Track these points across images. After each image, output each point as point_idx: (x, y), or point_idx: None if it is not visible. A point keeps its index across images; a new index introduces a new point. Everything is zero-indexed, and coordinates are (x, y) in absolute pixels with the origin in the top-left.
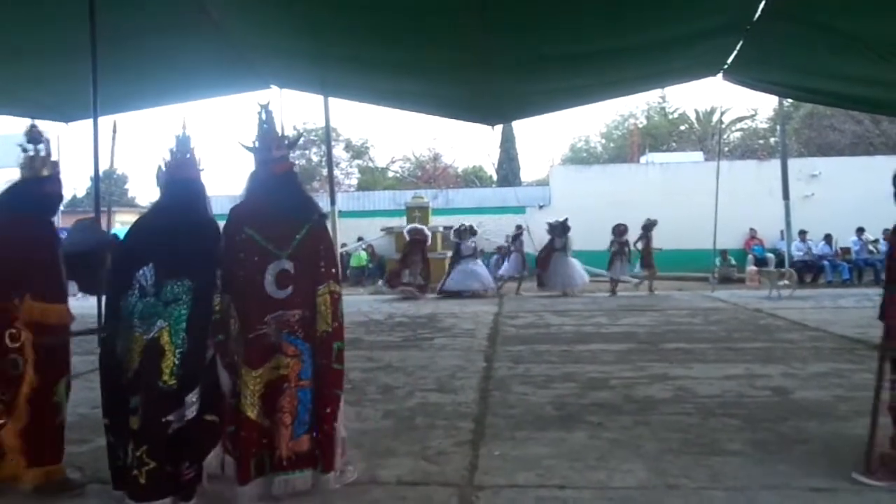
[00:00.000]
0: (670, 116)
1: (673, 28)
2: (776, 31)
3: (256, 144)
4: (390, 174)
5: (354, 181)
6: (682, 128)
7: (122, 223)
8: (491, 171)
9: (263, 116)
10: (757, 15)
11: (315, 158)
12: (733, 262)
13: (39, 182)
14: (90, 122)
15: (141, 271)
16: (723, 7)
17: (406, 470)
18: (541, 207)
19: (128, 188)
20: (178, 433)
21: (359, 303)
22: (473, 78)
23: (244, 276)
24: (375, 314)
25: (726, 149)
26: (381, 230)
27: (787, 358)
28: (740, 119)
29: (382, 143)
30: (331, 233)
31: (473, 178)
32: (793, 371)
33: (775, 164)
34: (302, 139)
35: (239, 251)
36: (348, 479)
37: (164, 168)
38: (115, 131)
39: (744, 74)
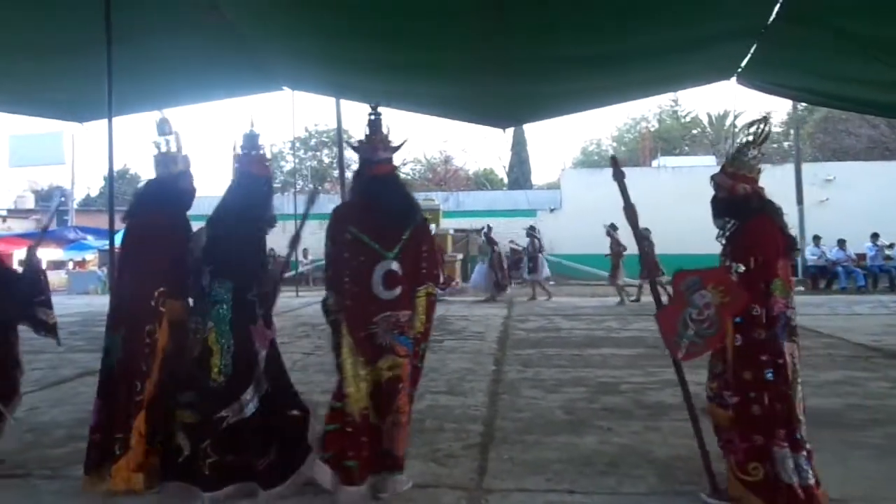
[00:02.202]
0: (683, 120)
1: (687, 31)
2: (791, 35)
3: (363, 145)
4: (401, 176)
5: None
6: (695, 131)
7: None
8: (502, 173)
9: (372, 118)
10: (771, 18)
11: (326, 160)
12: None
13: (174, 179)
14: (103, 122)
15: (205, 271)
16: (737, 10)
17: (415, 472)
18: (552, 211)
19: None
20: (237, 427)
21: None
22: (486, 80)
23: (350, 276)
24: None
25: None
26: None
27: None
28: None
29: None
30: (432, 235)
31: (484, 181)
32: (805, 378)
33: (789, 168)
34: (314, 140)
35: (344, 251)
36: None
37: (233, 164)
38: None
39: (758, 78)
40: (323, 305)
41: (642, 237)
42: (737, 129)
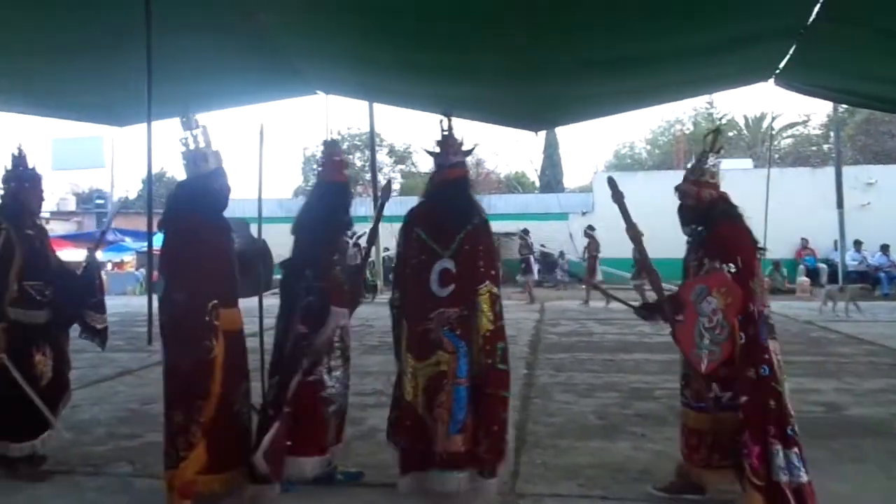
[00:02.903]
0: (718, 122)
1: (724, 32)
2: (831, 35)
3: (437, 149)
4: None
5: (397, 186)
6: (731, 134)
7: None
8: (534, 176)
9: (446, 124)
10: (812, 18)
11: (359, 163)
12: (785, 273)
13: (207, 178)
14: (142, 126)
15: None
16: (776, 10)
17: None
18: (583, 214)
19: None
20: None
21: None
22: (518, 83)
23: (411, 273)
24: None
25: (777, 156)
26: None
27: (840, 373)
28: (792, 125)
29: (425, 148)
30: (491, 236)
31: (516, 184)
32: (846, 386)
33: (829, 171)
34: (346, 143)
35: (410, 250)
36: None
37: (316, 170)
38: (262, 134)
39: (797, 79)
40: (390, 300)
41: (648, 262)
42: (774, 132)
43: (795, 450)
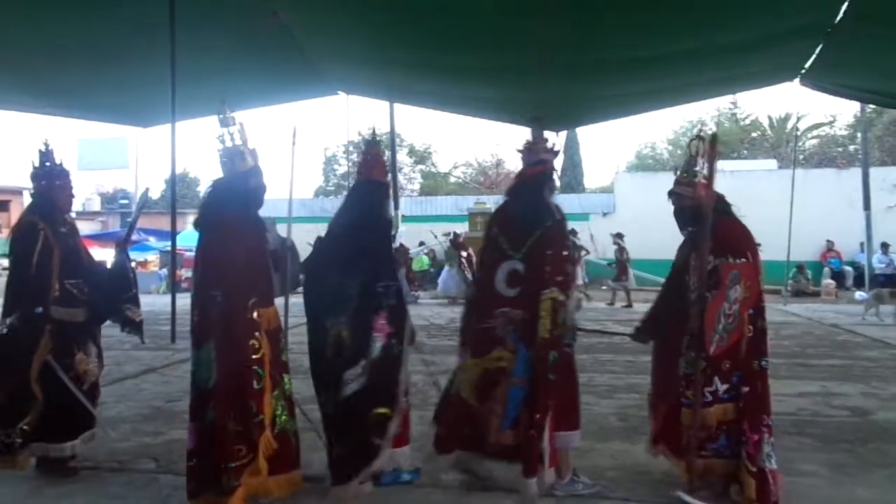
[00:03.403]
0: (742, 123)
1: (749, 31)
2: (860, 33)
3: (524, 151)
4: (452, 179)
5: (417, 186)
6: (755, 135)
7: (194, 225)
8: (554, 177)
9: (533, 124)
10: (839, 16)
11: None
12: (809, 275)
13: (244, 176)
14: (166, 126)
15: (329, 267)
16: (802, 8)
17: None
18: (605, 215)
19: (199, 190)
20: (331, 412)
21: (420, 307)
22: (538, 82)
23: (483, 271)
24: (437, 318)
25: (802, 157)
26: (442, 235)
27: (866, 377)
28: (817, 126)
29: (445, 148)
30: (563, 239)
31: None
32: (873, 391)
33: (855, 172)
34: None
35: (486, 248)
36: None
37: (355, 169)
38: (294, 136)
39: (823, 79)
40: (466, 293)
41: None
42: (799, 132)
43: (772, 439)
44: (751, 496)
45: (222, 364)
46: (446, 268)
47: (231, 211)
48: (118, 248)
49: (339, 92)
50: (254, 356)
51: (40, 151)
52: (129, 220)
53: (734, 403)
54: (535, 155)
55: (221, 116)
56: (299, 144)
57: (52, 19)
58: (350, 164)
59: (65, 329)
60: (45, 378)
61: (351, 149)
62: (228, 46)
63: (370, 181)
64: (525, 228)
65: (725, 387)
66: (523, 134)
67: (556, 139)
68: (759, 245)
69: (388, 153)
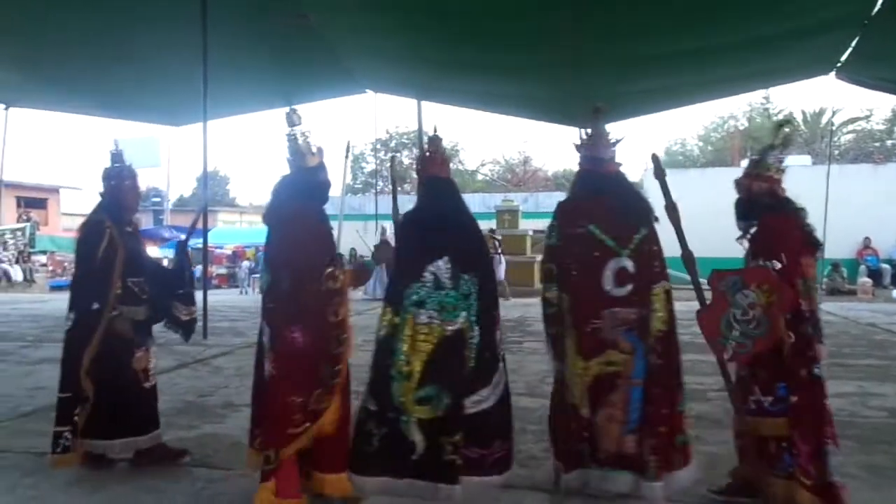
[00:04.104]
0: (774, 118)
1: (783, 24)
2: None
3: (584, 145)
4: (479, 177)
5: None
6: (787, 129)
7: (224, 222)
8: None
9: (597, 119)
10: (877, 8)
11: (406, 161)
12: (845, 273)
13: (311, 172)
14: (197, 125)
15: (435, 264)
16: (838, 0)
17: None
18: None
19: (229, 189)
20: (478, 418)
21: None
22: (567, 79)
23: (579, 270)
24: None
25: (837, 152)
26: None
27: None
28: (853, 120)
29: (472, 146)
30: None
31: (564, 182)
32: None
33: (892, 168)
34: (394, 142)
35: (574, 246)
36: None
37: (420, 167)
38: (348, 150)
39: (859, 72)
40: (542, 298)
41: (684, 238)
42: (834, 127)
43: (833, 449)
44: None
45: (301, 352)
46: (378, 269)
47: (301, 203)
48: (178, 245)
49: (367, 90)
50: (339, 348)
51: (111, 153)
52: (191, 222)
53: (785, 417)
54: (608, 149)
55: (288, 115)
56: (323, 142)
57: (89, 20)
58: (377, 161)
59: (125, 326)
60: (101, 375)
61: (378, 147)
62: (258, 47)
63: (437, 178)
64: (630, 224)
65: (769, 399)
66: (552, 131)
67: (615, 134)
68: (816, 244)
69: (415, 151)
